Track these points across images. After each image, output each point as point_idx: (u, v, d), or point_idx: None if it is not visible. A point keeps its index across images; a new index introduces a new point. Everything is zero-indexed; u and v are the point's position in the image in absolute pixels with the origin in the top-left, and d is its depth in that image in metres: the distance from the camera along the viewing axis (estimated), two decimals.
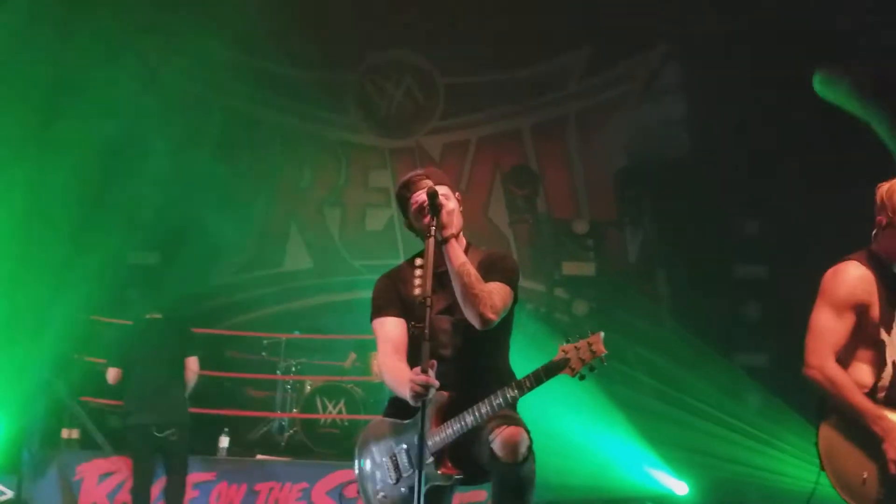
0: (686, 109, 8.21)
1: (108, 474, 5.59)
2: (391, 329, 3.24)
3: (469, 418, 2.97)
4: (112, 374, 5.49)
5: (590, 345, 2.87)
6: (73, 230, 4.63)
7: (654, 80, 8.71)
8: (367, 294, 3.34)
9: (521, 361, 3.35)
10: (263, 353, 7.71)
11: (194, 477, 5.54)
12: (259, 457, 6.24)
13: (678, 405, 6.82)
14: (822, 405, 2.97)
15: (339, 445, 6.69)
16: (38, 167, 6.76)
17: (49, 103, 7.02)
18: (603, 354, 2.86)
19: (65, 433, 6.02)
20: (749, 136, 7.35)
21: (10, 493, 5.53)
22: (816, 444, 2.96)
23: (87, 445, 5.98)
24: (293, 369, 7.48)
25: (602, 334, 2.87)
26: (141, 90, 8.02)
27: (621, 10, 8.14)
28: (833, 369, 2.90)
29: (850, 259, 3.01)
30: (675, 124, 8.24)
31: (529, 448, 2.93)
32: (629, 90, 8.89)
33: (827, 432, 2.93)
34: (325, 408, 6.90)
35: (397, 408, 3.21)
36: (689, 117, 8.14)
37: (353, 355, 7.48)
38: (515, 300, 3.22)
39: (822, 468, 2.92)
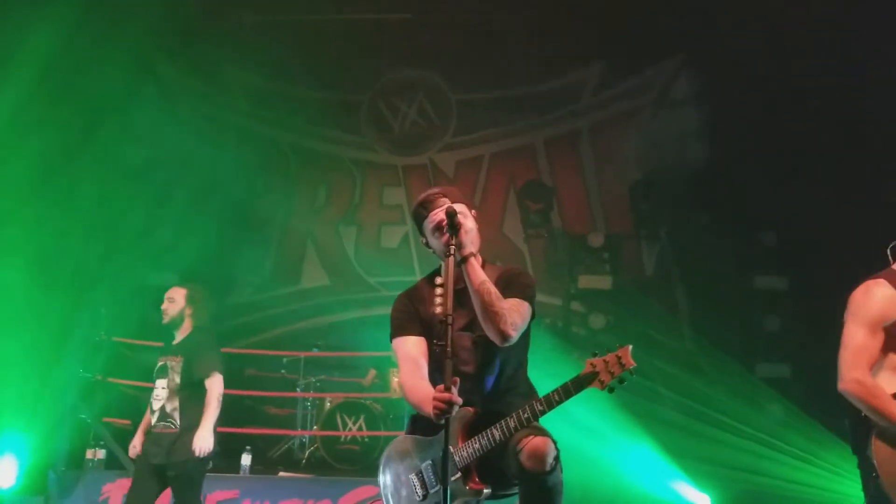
0: (701, 120, 8.21)
1: None
2: (412, 348, 3.27)
3: (497, 433, 3.00)
4: None
5: (619, 358, 2.89)
6: (94, 254, 4.74)
7: (668, 92, 8.73)
8: (385, 311, 3.38)
9: (540, 376, 3.38)
10: (283, 371, 7.75)
11: (218, 495, 5.58)
12: (281, 474, 6.27)
13: (698, 417, 6.79)
14: (865, 419, 3.06)
15: (360, 461, 6.73)
16: (65, 192, 6.88)
17: (75, 130, 7.15)
18: (632, 367, 2.88)
19: (90, 454, 6.07)
20: (766, 145, 7.33)
21: None
22: (868, 454, 3.03)
23: (112, 465, 6.03)
24: (313, 387, 7.52)
25: (630, 347, 2.90)
26: (160, 116, 8.15)
27: (633, 23, 8.18)
28: (870, 383, 3.02)
29: (878, 278, 3.16)
30: (690, 135, 8.23)
31: (557, 458, 2.95)
32: (643, 102, 8.91)
33: (881, 445, 3.01)
34: (345, 424, 6.93)
35: (420, 424, 3.24)
36: (705, 128, 8.13)
37: (372, 372, 7.51)
38: (533, 315, 3.25)
39: (874, 478, 2.99)
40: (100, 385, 6.58)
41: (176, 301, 5.05)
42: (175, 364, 4.95)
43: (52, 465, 5.92)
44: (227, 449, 6.71)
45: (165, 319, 5.07)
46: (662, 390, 6.84)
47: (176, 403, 4.87)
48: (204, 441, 4.81)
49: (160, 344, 6.13)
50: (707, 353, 7.02)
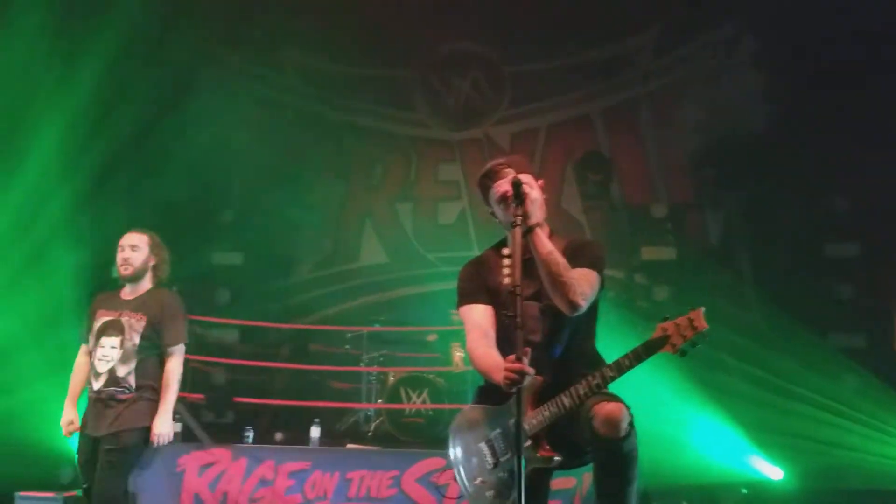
0: (765, 82, 7.94)
1: (207, 465, 5.77)
2: (479, 316, 3.28)
3: (567, 400, 2.99)
4: None
5: (691, 321, 2.85)
6: (166, 235, 4.79)
7: (730, 55, 8.45)
8: (443, 286, 3.39)
9: (605, 349, 3.35)
10: (347, 347, 7.87)
11: (290, 466, 5.69)
12: (349, 446, 6.38)
13: (770, 388, 6.66)
14: None
15: (424, 434, 6.79)
16: (133, 179, 7.08)
17: (145, 115, 7.34)
18: (705, 329, 2.83)
19: None
20: (834, 107, 7.05)
21: None
22: None
23: (187, 438, 6.22)
24: (376, 361, 7.62)
25: (703, 309, 2.84)
26: (221, 99, 8.30)
27: None
28: None
29: None
30: (753, 98, 7.97)
31: (631, 423, 2.93)
32: (703, 66, 8.65)
33: None
34: (409, 398, 7.00)
35: (487, 394, 3.25)
36: (769, 90, 7.86)
37: (459, 353, 7.56)
38: (602, 285, 3.22)
39: None
40: None
41: (140, 249, 4.49)
42: (135, 322, 4.38)
43: None
44: (295, 422, 6.89)
45: (128, 272, 4.45)
46: (731, 361, 6.72)
47: (132, 366, 4.33)
48: (164, 427, 4.36)
49: (227, 321, 6.32)
50: (777, 323, 6.86)
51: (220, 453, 5.77)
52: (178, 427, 6.11)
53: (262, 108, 8.89)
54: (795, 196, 7.05)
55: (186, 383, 6.64)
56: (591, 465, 3.11)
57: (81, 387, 4.53)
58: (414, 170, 9.43)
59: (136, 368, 4.36)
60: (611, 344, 3.45)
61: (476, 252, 3.49)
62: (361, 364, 7.62)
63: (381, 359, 7.66)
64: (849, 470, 6.32)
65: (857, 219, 7.12)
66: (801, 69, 7.27)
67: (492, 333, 3.25)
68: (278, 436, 6.75)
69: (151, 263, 4.55)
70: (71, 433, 4.47)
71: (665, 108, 8.84)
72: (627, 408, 2.97)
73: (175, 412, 6.17)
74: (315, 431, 6.17)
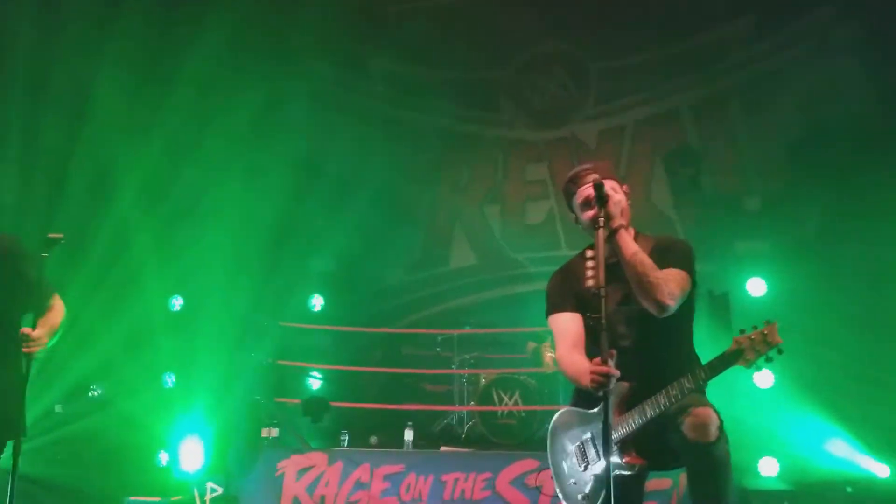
0: (862, 70, 7.59)
1: (305, 469, 5.95)
2: (568, 324, 3.31)
3: (649, 409, 2.99)
4: None
5: (764, 335, 2.83)
6: (267, 246, 4.97)
7: (825, 42, 8.11)
8: (533, 287, 3.43)
9: (700, 347, 3.30)
10: (438, 350, 7.95)
11: (385, 469, 5.82)
12: (443, 448, 6.45)
13: (874, 383, 6.37)
14: None
15: (517, 436, 6.79)
16: (232, 191, 7.39)
17: (249, 127, 7.66)
18: (779, 344, 2.81)
19: (264, 432, 6.41)
20: None
21: (220, 490, 6.01)
22: None
23: (286, 443, 6.42)
24: (467, 363, 7.68)
25: (777, 324, 2.83)
26: (312, 110, 8.56)
27: None
28: None
29: None
30: (851, 87, 7.64)
31: (720, 427, 2.90)
32: (797, 55, 8.32)
33: None
34: (500, 400, 7.02)
35: (582, 397, 3.27)
36: (866, 78, 7.52)
37: (532, 344, 7.55)
38: (694, 284, 3.18)
39: None
40: (271, 367, 7.01)
41: None
42: None
43: (232, 445, 6.36)
44: (389, 425, 7.02)
45: None
46: (832, 354, 6.46)
47: None
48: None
49: (321, 326, 6.45)
50: (878, 316, 6.56)
51: (318, 457, 5.95)
52: (276, 432, 6.32)
53: (349, 116, 9.08)
54: None
55: (281, 389, 6.89)
56: (682, 466, 3.08)
57: None
58: (501, 171, 9.45)
59: None
60: (706, 339, 3.41)
61: (564, 251, 3.53)
62: (453, 367, 7.69)
63: (473, 361, 7.71)
64: None
65: None
66: None
67: (581, 341, 3.28)
68: (373, 439, 6.89)
69: None
70: None
71: (759, 97, 8.53)
72: (716, 412, 2.93)
73: (273, 417, 6.43)
74: (409, 434, 6.28)
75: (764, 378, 6.43)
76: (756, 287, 7.03)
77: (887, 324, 6.51)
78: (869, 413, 6.30)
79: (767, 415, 6.31)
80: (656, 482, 5.22)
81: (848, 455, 6.23)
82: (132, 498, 5.91)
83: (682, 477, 5.16)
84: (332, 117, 8.84)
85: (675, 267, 3.11)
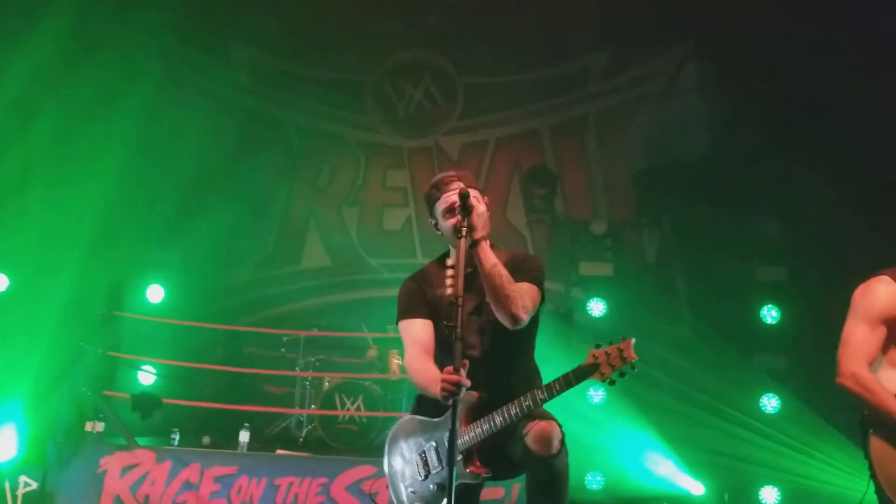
0: (707, 110, 8.20)
1: (130, 467, 5.63)
2: (419, 330, 3.30)
3: (498, 419, 3.02)
4: None
5: (620, 350, 2.91)
6: (102, 230, 4.64)
7: (675, 80, 8.69)
8: (385, 293, 3.40)
9: (543, 363, 3.40)
10: (282, 350, 7.77)
11: (216, 471, 5.59)
12: (279, 452, 6.29)
13: (696, 404, 6.82)
14: (868, 418, 3.06)
15: (357, 442, 6.75)
16: (72, 169, 6.90)
17: (83, 108, 7.15)
18: (634, 360, 2.89)
19: (89, 426, 6.05)
20: (772, 136, 7.32)
21: (34, 485, 5.58)
22: (866, 454, 3.04)
23: (111, 439, 6.05)
24: (312, 366, 7.55)
25: (633, 340, 2.91)
26: (165, 93, 8.13)
27: (641, 10, 8.13)
28: (867, 377, 3.03)
29: (881, 275, 3.18)
30: (695, 125, 8.22)
31: (562, 441, 2.98)
32: (649, 90, 8.88)
33: (878, 442, 3.02)
34: (343, 404, 6.95)
35: (425, 406, 3.26)
36: (711, 117, 8.13)
37: (373, 349, 7.51)
38: (543, 299, 3.26)
39: (873, 477, 3.00)
40: (101, 359, 6.59)
41: None
42: None
43: (52, 437, 5.93)
44: (224, 425, 6.76)
45: None
46: (661, 376, 6.88)
47: None
48: None
49: (159, 319, 6.13)
50: (706, 342, 7.05)
51: (144, 455, 5.64)
52: (101, 427, 5.95)
53: (209, 103, 8.72)
54: (730, 220, 7.26)
55: (111, 382, 6.49)
56: (520, 476, 3.14)
57: None
58: (362, 174, 9.39)
59: None
60: (549, 355, 3.50)
61: (420, 259, 3.52)
62: (297, 368, 7.53)
63: (318, 364, 7.59)
64: (765, 486, 6.52)
65: (788, 244, 7.37)
66: (743, 97, 7.51)
67: (431, 348, 3.27)
68: (206, 439, 6.61)
69: None
70: None
71: (611, 127, 9.03)
72: (560, 426, 3.01)
73: (100, 411, 6.04)
74: (244, 436, 6.05)
75: (594, 394, 6.76)
76: (597, 307, 7.38)
77: (711, 349, 7.00)
78: (690, 433, 6.73)
79: (596, 431, 6.60)
80: (489, 491, 5.31)
81: (668, 473, 6.61)
82: None
83: (514, 487, 5.29)
84: (188, 100, 8.45)
85: (527, 281, 3.18)
